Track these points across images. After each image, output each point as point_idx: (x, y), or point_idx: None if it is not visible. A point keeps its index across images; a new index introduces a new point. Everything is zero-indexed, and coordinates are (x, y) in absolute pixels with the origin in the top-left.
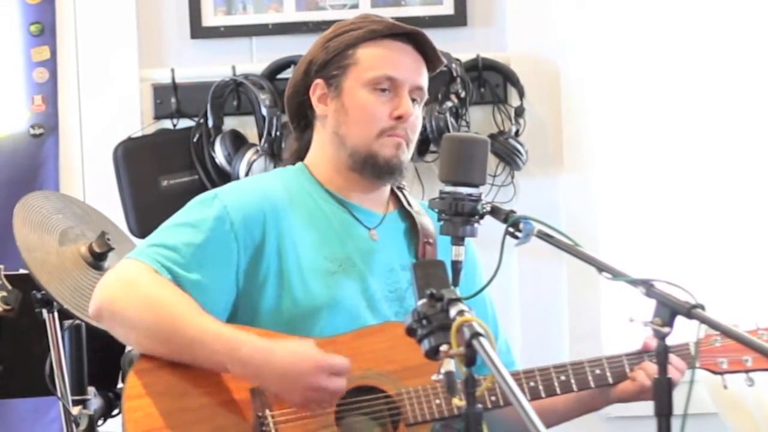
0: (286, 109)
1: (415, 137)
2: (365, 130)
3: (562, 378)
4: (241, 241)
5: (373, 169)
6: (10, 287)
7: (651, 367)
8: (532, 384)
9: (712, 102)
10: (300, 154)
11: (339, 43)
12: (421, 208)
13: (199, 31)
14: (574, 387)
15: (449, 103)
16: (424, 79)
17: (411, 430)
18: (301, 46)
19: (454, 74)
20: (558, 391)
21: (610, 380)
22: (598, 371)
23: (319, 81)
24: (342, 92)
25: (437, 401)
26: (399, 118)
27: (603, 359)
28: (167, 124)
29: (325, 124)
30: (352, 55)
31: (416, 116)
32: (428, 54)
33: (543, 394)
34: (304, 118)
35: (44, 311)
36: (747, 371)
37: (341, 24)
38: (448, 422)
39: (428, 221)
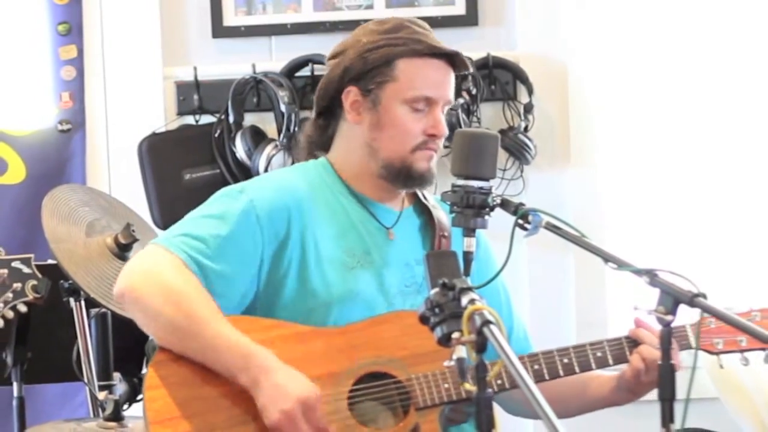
0: (315, 103)
1: (442, 144)
2: (400, 146)
3: (565, 361)
4: (266, 234)
5: (406, 179)
6: (40, 276)
7: (645, 349)
8: (536, 367)
9: (713, 100)
10: (322, 146)
11: (378, 56)
12: (436, 202)
13: (220, 30)
14: (577, 369)
15: (461, 100)
16: (453, 91)
17: (421, 414)
18: (319, 45)
19: (466, 72)
20: (561, 373)
21: (611, 362)
22: (599, 354)
23: (353, 88)
24: (379, 106)
25: (446, 386)
26: (433, 135)
27: (604, 342)
28: (190, 120)
29: (356, 131)
30: (392, 71)
31: (444, 125)
32: (458, 67)
33: (547, 377)
34: (330, 114)
35: (71, 300)
36: (742, 351)
37: (378, 33)
38: (457, 406)
39: (443, 215)
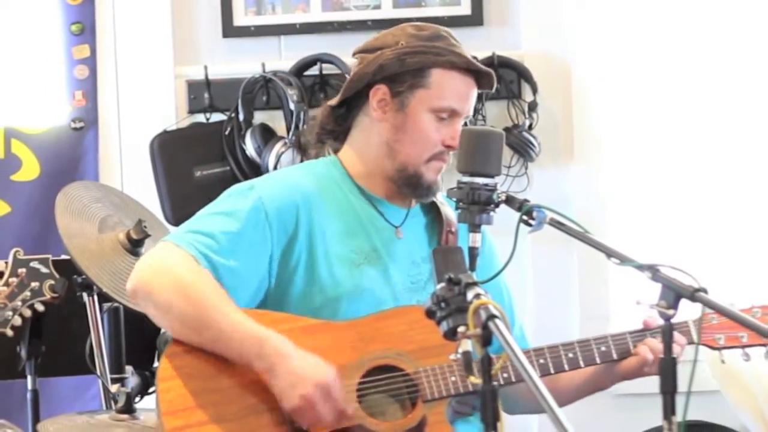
0: (341, 93)
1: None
2: (419, 152)
3: (570, 355)
4: (275, 230)
5: (415, 188)
6: (57, 276)
7: (653, 342)
8: (541, 361)
9: (716, 97)
10: (335, 135)
11: (416, 61)
12: (444, 198)
13: (230, 30)
14: (582, 363)
15: None
16: (473, 108)
17: (428, 406)
18: (327, 44)
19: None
20: (566, 367)
21: (615, 356)
22: (603, 348)
23: (383, 87)
24: (406, 109)
25: (453, 379)
26: (449, 147)
27: (608, 337)
28: (200, 118)
29: (378, 129)
30: (425, 78)
31: None
32: (483, 87)
33: (552, 370)
34: (353, 106)
35: (85, 295)
36: (743, 347)
37: (419, 36)
38: (464, 399)
39: (450, 211)
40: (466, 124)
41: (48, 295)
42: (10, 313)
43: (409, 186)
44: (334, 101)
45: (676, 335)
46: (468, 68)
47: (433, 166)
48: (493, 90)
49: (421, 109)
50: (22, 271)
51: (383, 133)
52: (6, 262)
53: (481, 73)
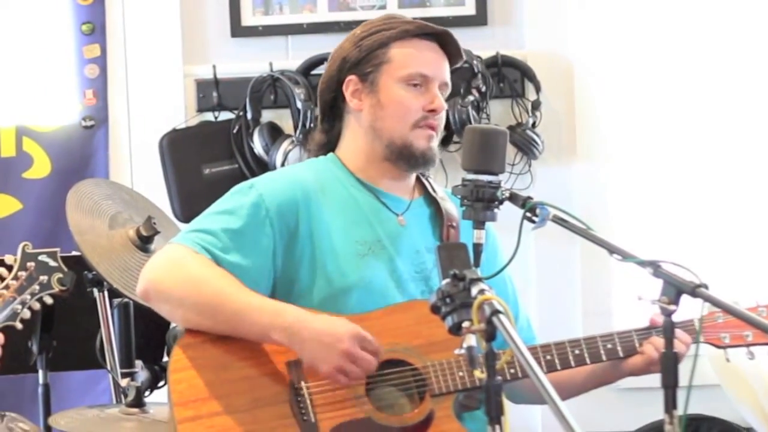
0: (319, 103)
1: (442, 125)
2: (401, 123)
3: (576, 352)
4: (276, 226)
5: (409, 159)
6: (66, 269)
7: (658, 341)
8: (548, 357)
9: (717, 95)
10: (328, 146)
11: (372, 42)
12: (445, 194)
13: (238, 30)
14: (588, 360)
15: (471, 97)
16: (448, 75)
17: (436, 401)
18: (334, 44)
19: (476, 70)
20: (572, 363)
21: (621, 354)
22: (609, 345)
23: (352, 77)
24: (377, 88)
25: (460, 373)
26: (432, 111)
27: (614, 334)
28: (209, 116)
29: (360, 118)
30: (386, 53)
31: (443, 101)
32: (451, 51)
33: (559, 367)
34: (334, 112)
35: (95, 290)
36: (747, 345)
37: (371, 23)
38: (470, 393)
39: (452, 207)
40: (469, 120)
41: (56, 288)
42: (20, 306)
43: (403, 159)
44: (318, 118)
45: (681, 333)
46: (423, 32)
47: (421, 134)
48: (464, 59)
49: (391, 82)
50: (30, 264)
51: (365, 119)
52: (15, 257)
53: (444, 39)
